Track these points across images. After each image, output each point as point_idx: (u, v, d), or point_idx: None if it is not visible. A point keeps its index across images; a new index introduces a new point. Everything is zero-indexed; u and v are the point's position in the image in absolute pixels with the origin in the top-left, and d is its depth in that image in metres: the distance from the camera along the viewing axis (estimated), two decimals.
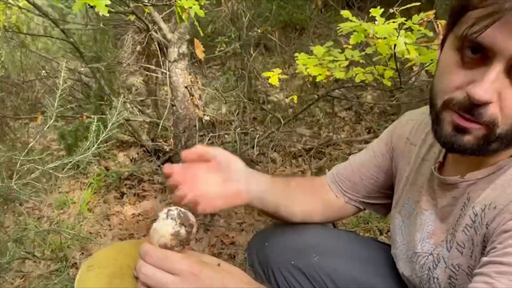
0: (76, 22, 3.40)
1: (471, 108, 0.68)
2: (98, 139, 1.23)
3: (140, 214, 2.42)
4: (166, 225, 0.68)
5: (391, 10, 1.28)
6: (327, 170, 1.15)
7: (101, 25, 2.90)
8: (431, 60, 1.39)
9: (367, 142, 2.84)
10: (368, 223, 2.15)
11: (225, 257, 2.07)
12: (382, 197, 1.08)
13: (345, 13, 1.45)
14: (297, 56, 1.66)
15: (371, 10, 1.31)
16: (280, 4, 3.88)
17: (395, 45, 1.28)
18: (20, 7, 2.66)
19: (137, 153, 2.90)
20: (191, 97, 2.35)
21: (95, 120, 1.23)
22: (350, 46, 1.70)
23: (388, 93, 3.01)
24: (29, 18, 3.41)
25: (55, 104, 1.09)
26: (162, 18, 2.26)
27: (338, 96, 3.05)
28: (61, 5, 3.89)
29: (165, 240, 0.67)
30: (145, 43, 2.64)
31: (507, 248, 0.65)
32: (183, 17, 1.47)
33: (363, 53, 1.67)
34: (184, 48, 2.27)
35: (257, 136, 2.69)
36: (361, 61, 1.70)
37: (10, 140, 2.76)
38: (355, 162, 1.09)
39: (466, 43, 0.68)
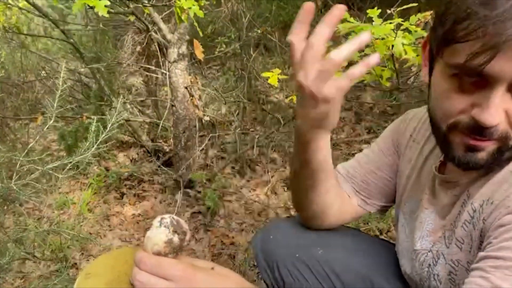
0: (76, 23, 3.40)
1: (481, 129, 0.69)
2: (98, 140, 1.23)
3: (140, 214, 2.42)
4: (159, 233, 0.69)
5: (389, 11, 1.28)
6: None
7: (101, 25, 2.90)
8: None
9: (367, 142, 2.85)
10: (368, 223, 2.15)
11: (225, 257, 2.07)
12: (393, 198, 1.06)
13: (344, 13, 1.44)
14: None
15: (368, 10, 1.31)
16: (280, 4, 3.88)
17: (392, 45, 1.28)
18: (20, 8, 2.66)
19: (137, 154, 2.91)
20: (191, 97, 2.36)
21: (95, 121, 1.24)
22: None
23: (388, 94, 3.02)
24: (29, 19, 3.41)
25: (55, 105, 1.10)
26: (161, 18, 2.26)
27: None
28: (61, 5, 3.90)
29: (159, 248, 0.68)
30: (145, 44, 2.65)
31: (503, 242, 0.66)
32: (183, 17, 1.47)
33: (361, 53, 1.67)
34: (183, 49, 2.28)
35: (257, 136, 2.69)
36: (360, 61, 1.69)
37: (10, 140, 2.76)
38: (366, 162, 1.06)
39: (464, 71, 0.68)
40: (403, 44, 1.27)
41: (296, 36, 0.72)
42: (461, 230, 0.78)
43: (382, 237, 2.08)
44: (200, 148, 2.56)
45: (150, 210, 2.44)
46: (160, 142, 2.85)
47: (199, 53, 2.06)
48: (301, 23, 0.71)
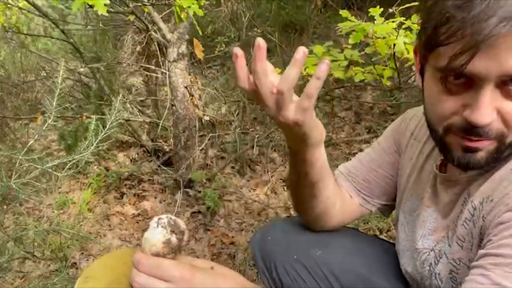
0: (76, 23, 3.40)
1: (475, 130, 0.70)
2: (98, 138, 1.23)
3: (140, 214, 2.42)
4: (157, 234, 0.68)
5: (390, 10, 1.28)
6: None
7: (101, 24, 2.90)
8: None
9: (367, 142, 2.84)
10: (368, 223, 2.15)
11: (224, 257, 2.07)
12: (394, 196, 1.06)
13: (344, 13, 1.45)
14: None
15: (370, 9, 1.31)
16: (279, 4, 3.88)
17: (394, 44, 1.28)
18: (20, 8, 2.66)
19: (137, 153, 2.91)
20: (191, 97, 2.36)
21: (94, 119, 1.23)
22: (349, 46, 1.70)
23: (388, 93, 3.01)
24: (29, 19, 3.41)
25: (54, 103, 1.09)
26: (161, 18, 2.26)
27: (338, 96, 3.05)
28: (61, 6, 3.90)
29: (157, 248, 0.68)
30: (144, 44, 2.64)
31: (503, 240, 0.66)
32: (182, 16, 1.46)
33: (362, 52, 1.67)
34: (183, 48, 2.28)
35: (257, 136, 2.69)
36: (360, 61, 1.70)
37: (10, 140, 2.76)
38: (367, 161, 1.06)
39: (448, 73, 0.70)
40: (404, 43, 1.27)
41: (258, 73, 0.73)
42: (461, 228, 0.78)
43: (382, 236, 2.07)
44: (200, 148, 2.56)
45: (150, 209, 2.44)
46: (160, 142, 2.85)
47: (199, 52, 2.06)
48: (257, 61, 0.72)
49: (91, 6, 1.38)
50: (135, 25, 2.71)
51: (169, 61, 2.27)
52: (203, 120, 2.55)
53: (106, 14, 1.31)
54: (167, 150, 2.74)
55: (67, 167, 1.27)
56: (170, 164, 2.65)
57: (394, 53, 1.34)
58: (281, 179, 2.61)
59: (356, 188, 1.06)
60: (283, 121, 0.75)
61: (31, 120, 2.95)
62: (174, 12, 1.68)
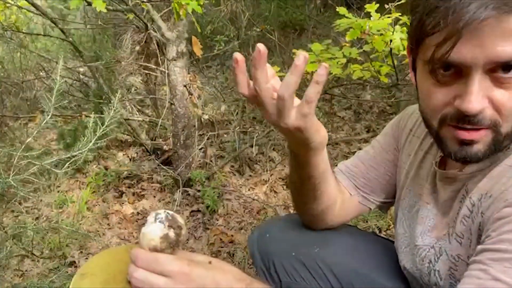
0: (76, 22, 3.40)
1: (467, 118, 0.70)
2: (96, 136, 1.23)
3: (139, 213, 2.42)
4: (154, 229, 0.68)
5: (386, 6, 1.28)
6: None
7: (99, 22, 2.90)
8: None
9: (366, 141, 2.84)
10: (367, 221, 2.15)
11: (224, 256, 2.07)
12: (394, 194, 1.06)
13: (341, 10, 1.45)
14: (294, 53, 1.66)
15: (366, 6, 1.31)
16: (279, 4, 3.88)
17: (391, 40, 1.28)
18: (19, 7, 2.66)
19: (136, 153, 2.91)
20: (190, 95, 2.36)
21: (93, 116, 1.23)
22: (347, 44, 1.71)
23: (387, 92, 3.02)
24: (29, 18, 3.41)
25: (52, 100, 1.09)
26: (160, 16, 2.26)
27: (337, 95, 3.05)
28: (60, 6, 3.91)
29: (155, 243, 0.67)
30: (144, 42, 2.65)
31: (501, 235, 0.66)
32: (181, 13, 1.46)
33: (360, 50, 1.67)
34: (182, 47, 2.28)
35: (256, 135, 2.69)
36: (358, 58, 1.70)
37: (9, 139, 2.76)
38: (366, 159, 1.06)
39: (436, 65, 0.70)
40: (401, 39, 1.27)
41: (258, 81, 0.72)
42: (460, 225, 0.78)
43: (381, 235, 2.07)
44: (200, 147, 2.56)
45: (149, 208, 2.44)
46: (159, 141, 2.85)
47: (197, 49, 2.06)
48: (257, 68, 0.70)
49: (89, 4, 1.38)
50: (134, 24, 2.71)
51: (168, 60, 2.27)
52: (202, 119, 2.55)
53: (105, 11, 1.31)
54: (167, 149, 2.74)
55: (67, 165, 1.27)
56: (170, 163, 2.65)
57: (391, 49, 1.34)
58: (280, 178, 2.61)
59: (355, 186, 1.06)
60: (284, 127, 0.74)
61: (30, 120, 2.96)
62: (173, 11, 1.68)
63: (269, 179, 2.59)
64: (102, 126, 1.26)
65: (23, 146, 1.17)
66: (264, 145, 2.75)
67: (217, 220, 2.32)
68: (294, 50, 1.67)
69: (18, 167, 1.19)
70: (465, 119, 0.70)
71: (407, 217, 0.96)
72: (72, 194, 2.53)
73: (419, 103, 0.80)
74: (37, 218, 2.33)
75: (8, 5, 2.63)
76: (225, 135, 2.92)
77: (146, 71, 2.87)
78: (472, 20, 0.63)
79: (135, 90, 3.38)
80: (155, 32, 2.35)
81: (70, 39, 2.54)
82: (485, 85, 0.68)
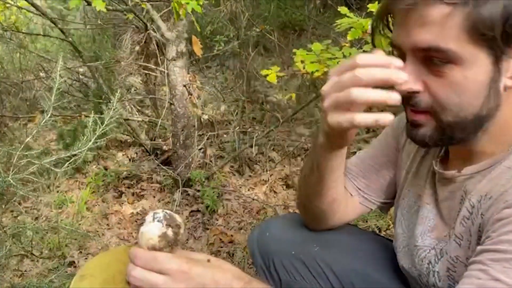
0: (75, 22, 3.40)
1: (409, 99, 0.74)
2: (95, 135, 1.23)
3: (138, 213, 2.42)
4: (153, 228, 0.69)
5: None
6: None
7: (99, 22, 2.90)
8: None
9: (366, 141, 2.84)
10: (366, 221, 2.15)
11: (223, 256, 2.07)
12: (395, 194, 1.05)
13: (343, 9, 1.45)
14: (295, 53, 1.66)
15: (369, 5, 1.31)
16: (279, 4, 3.88)
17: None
18: (19, 7, 2.66)
19: (136, 153, 2.90)
20: (190, 95, 2.36)
21: (92, 116, 1.23)
22: (347, 45, 1.71)
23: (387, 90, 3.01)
24: (28, 19, 3.41)
25: (52, 100, 1.09)
26: (160, 16, 2.26)
27: None
28: (60, 6, 3.91)
29: (153, 242, 0.68)
30: (143, 43, 2.64)
31: (502, 235, 0.66)
32: (180, 12, 1.46)
33: (360, 50, 1.67)
34: (182, 47, 2.28)
35: (256, 135, 2.69)
36: None
37: (9, 140, 2.76)
38: (367, 159, 1.06)
39: (393, 49, 0.77)
40: None
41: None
42: (460, 227, 0.78)
43: (381, 235, 2.07)
44: (199, 147, 2.56)
45: (148, 208, 2.44)
46: (159, 141, 2.84)
47: (197, 49, 2.06)
48: None
49: (89, 4, 1.38)
50: (134, 24, 2.71)
51: (168, 60, 2.27)
52: (202, 119, 2.55)
53: (105, 11, 1.31)
54: (166, 149, 2.74)
55: (66, 164, 1.27)
56: (169, 163, 2.65)
57: (392, 49, 1.34)
58: (280, 178, 2.61)
59: (356, 187, 1.05)
60: (346, 126, 0.74)
61: (30, 120, 2.95)
62: (172, 11, 1.68)
63: (268, 179, 2.59)
64: (101, 125, 1.26)
65: (22, 146, 1.17)
66: (263, 145, 2.75)
67: (217, 220, 2.32)
68: (294, 50, 1.68)
69: (18, 166, 1.19)
70: (408, 100, 0.74)
71: (406, 217, 0.96)
72: (72, 194, 2.53)
73: None
74: (36, 218, 2.33)
75: (8, 5, 2.63)
76: (224, 135, 2.92)
77: (146, 71, 2.87)
78: (400, 7, 0.70)
79: (134, 90, 3.38)
80: (155, 32, 2.35)
81: (70, 39, 2.54)
82: (419, 70, 0.72)
